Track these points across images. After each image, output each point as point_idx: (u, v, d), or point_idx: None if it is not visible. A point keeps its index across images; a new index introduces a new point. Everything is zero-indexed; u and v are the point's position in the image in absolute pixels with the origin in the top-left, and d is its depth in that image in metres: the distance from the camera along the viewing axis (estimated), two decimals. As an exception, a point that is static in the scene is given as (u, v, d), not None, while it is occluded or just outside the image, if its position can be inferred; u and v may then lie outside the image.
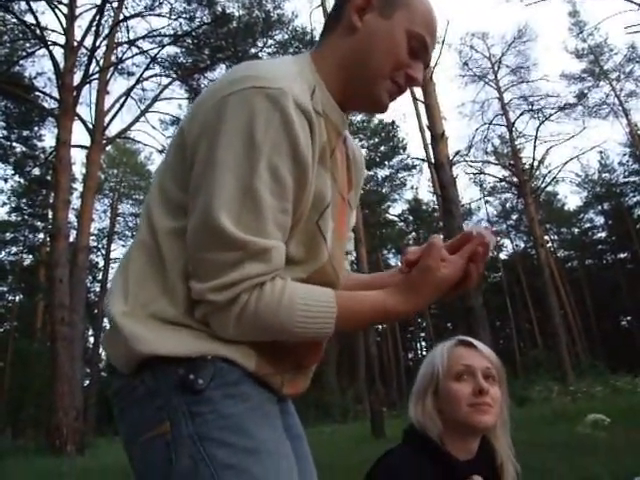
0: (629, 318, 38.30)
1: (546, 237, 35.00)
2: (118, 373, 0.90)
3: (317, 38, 1.06)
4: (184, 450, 0.80)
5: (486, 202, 37.25)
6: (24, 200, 29.93)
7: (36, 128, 22.15)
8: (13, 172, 23.67)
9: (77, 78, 14.62)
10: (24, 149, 22.64)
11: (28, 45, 17.00)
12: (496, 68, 26.79)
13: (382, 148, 33.01)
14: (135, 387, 0.86)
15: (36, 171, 24.12)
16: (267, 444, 0.83)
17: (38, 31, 14.54)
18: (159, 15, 16.17)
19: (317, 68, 0.97)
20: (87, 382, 28.23)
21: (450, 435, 1.31)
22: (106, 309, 0.91)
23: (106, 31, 16.02)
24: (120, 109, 17.05)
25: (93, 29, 15.03)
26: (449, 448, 1.31)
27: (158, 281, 0.88)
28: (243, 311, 0.82)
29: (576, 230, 41.18)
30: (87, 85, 15.59)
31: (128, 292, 0.89)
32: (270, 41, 18.11)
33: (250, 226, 0.81)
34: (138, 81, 17.30)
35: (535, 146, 23.47)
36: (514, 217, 38.62)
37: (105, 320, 0.94)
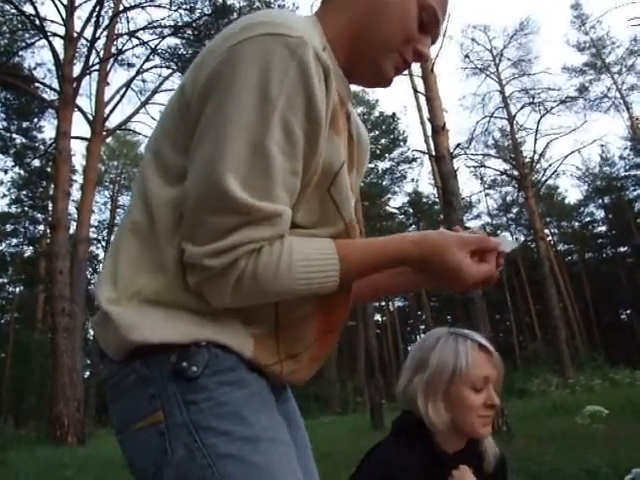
0: (628, 312, 38.35)
1: (546, 230, 34.98)
2: (108, 359, 0.85)
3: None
4: (179, 440, 0.76)
5: (486, 195, 37.30)
6: (24, 192, 29.92)
7: (36, 119, 22.13)
8: (13, 164, 23.66)
9: (77, 69, 14.58)
10: (24, 140, 22.61)
11: (27, 36, 16.91)
12: (497, 61, 26.68)
13: (383, 141, 32.96)
14: (126, 374, 0.82)
15: (36, 163, 24.10)
16: (266, 431, 0.80)
17: (37, 22, 14.47)
18: (159, 6, 16.06)
19: (323, 29, 0.90)
20: (88, 373, 28.34)
21: (447, 431, 1.31)
22: (95, 294, 0.86)
23: (106, 22, 15.95)
24: (120, 100, 17.00)
25: (93, 20, 14.95)
26: (440, 440, 1.31)
27: (151, 261, 0.82)
28: (241, 277, 0.77)
29: (576, 224, 41.16)
30: (87, 76, 15.55)
31: (117, 277, 0.83)
32: (271, 32, 17.97)
33: (258, 189, 0.75)
34: (138, 72, 17.24)
35: (536, 139, 23.42)
36: (514, 210, 38.62)
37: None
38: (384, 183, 34.45)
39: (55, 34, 14.70)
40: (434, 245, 0.85)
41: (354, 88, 0.98)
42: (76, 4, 14.81)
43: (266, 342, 0.86)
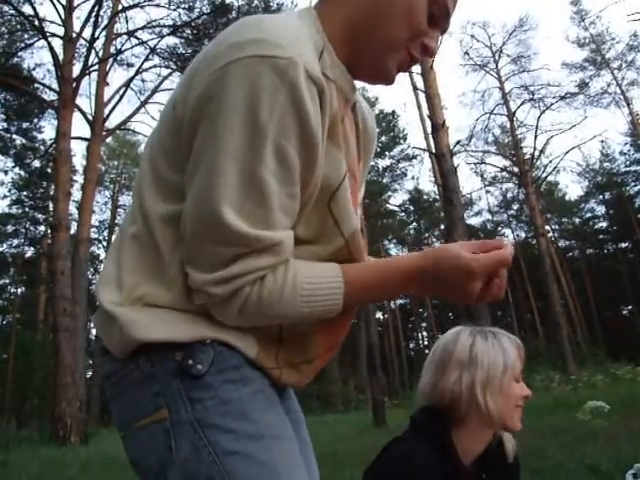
0: (630, 307, 38.33)
1: (547, 227, 34.94)
2: (110, 356, 0.85)
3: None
4: (184, 437, 0.77)
5: (487, 192, 37.28)
6: (25, 192, 29.95)
7: (36, 120, 22.15)
8: (13, 164, 23.74)
9: (76, 69, 14.58)
10: (24, 141, 22.67)
11: (26, 36, 16.89)
12: (497, 57, 26.63)
13: (383, 138, 32.95)
14: (130, 371, 0.82)
15: (36, 163, 24.17)
16: (270, 428, 0.81)
17: (36, 22, 14.45)
18: (158, 5, 16.04)
19: (322, 25, 0.85)
20: (90, 373, 28.39)
21: (477, 427, 1.34)
22: (97, 297, 0.86)
23: (105, 22, 15.94)
24: (120, 100, 17.02)
25: (92, 20, 14.95)
26: (464, 438, 1.32)
27: (155, 274, 0.83)
28: (245, 303, 0.78)
29: (577, 220, 41.12)
30: (86, 76, 15.53)
31: (122, 283, 0.83)
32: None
33: (256, 219, 0.75)
34: (137, 72, 17.21)
35: (536, 136, 23.36)
36: (515, 207, 38.59)
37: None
38: (384, 181, 34.44)
39: (54, 34, 14.70)
40: (441, 252, 0.85)
41: (354, 85, 0.96)
42: (75, 4, 14.80)
43: (268, 349, 0.87)
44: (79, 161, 29.48)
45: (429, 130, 9.27)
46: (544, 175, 26.13)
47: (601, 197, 38.93)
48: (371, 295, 0.87)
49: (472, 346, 1.37)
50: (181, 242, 0.81)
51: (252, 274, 0.77)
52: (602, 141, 33.92)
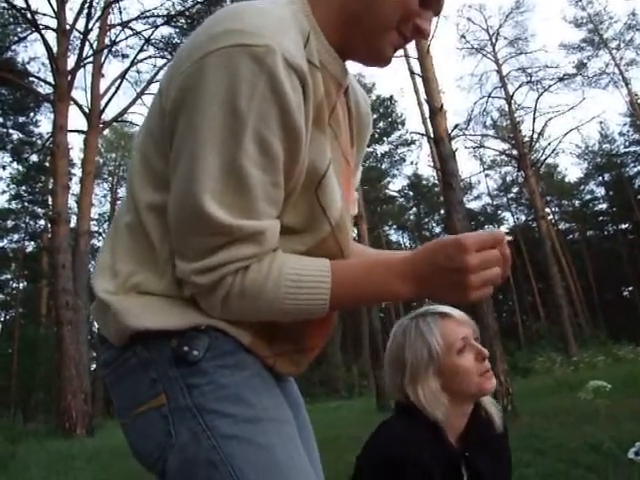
0: (630, 288, 38.42)
1: (547, 209, 34.92)
2: (108, 344, 0.87)
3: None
4: (183, 423, 0.78)
5: (486, 176, 37.24)
6: (23, 187, 29.93)
7: (32, 114, 22.11)
8: (11, 159, 23.67)
9: (71, 62, 14.45)
10: (21, 136, 22.64)
11: (19, 30, 16.79)
12: (494, 40, 26.41)
13: (381, 124, 32.84)
14: (127, 358, 0.83)
15: (34, 157, 24.11)
16: (268, 411, 0.82)
17: (29, 15, 14.30)
18: (151, -5, 15.95)
19: (312, 10, 0.84)
20: (94, 366, 28.51)
21: (451, 407, 1.31)
22: (93, 285, 0.87)
23: (98, 13, 15.80)
24: (116, 92, 16.94)
25: (85, 11, 14.82)
26: (447, 422, 1.31)
27: (148, 262, 0.84)
28: (228, 294, 0.78)
29: (577, 202, 41.09)
30: (82, 69, 15.44)
31: (116, 271, 0.84)
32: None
33: (237, 208, 0.75)
34: (133, 63, 17.10)
35: (534, 118, 23.24)
36: (514, 190, 38.56)
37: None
38: (383, 166, 34.42)
39: (47, 27, 14.54)
40: (433, 243, 0.81)
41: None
42: (67, -4, 14.66)
43: (262, 338, 0.87)
44: (77, 154, 29.54)
45: (427, 114, 9.21)
46: (543, 158, 26.02)
47: (600, 178, 38.88)
48: (361, 293, 0.83)
49: (402, 347, 1.34)
50: (169, 232, 0.81)
51: (234, 263, 0.77)
52: (601, 122, 33.87)
